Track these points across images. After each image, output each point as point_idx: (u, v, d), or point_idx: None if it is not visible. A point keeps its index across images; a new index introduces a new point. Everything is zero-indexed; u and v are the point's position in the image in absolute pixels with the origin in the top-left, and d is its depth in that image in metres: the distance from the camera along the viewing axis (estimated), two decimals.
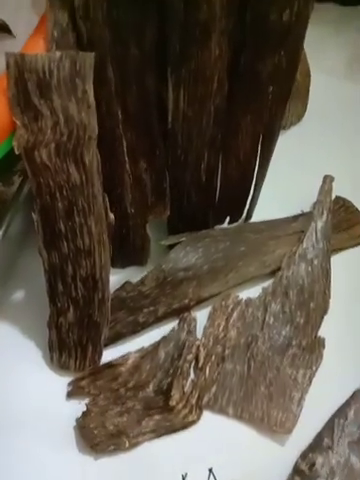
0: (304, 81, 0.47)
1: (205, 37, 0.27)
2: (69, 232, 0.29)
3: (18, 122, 0.26)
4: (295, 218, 0.41)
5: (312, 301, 0.37)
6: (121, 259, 0.38)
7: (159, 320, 0.36)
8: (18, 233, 0.36)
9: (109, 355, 0.34)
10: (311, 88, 0.49)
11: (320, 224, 0.40)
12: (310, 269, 0.38)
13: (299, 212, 0.42)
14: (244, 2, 0.28)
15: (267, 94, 0.33)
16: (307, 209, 0.42)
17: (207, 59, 0.28)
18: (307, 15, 0.30)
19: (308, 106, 0.49)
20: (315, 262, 0.38)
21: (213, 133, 0.33)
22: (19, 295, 0.37)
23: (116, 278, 0.37)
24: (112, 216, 0.32)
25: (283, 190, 0.43)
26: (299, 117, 0.48)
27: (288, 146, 0.43)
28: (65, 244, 0.30)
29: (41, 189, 0.28)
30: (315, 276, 0.38)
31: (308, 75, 0.47)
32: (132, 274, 0.38)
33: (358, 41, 0.55)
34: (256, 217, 0.42)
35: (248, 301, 0.37)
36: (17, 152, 0.27)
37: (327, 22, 0.55)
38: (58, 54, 0.25)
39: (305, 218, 0.40)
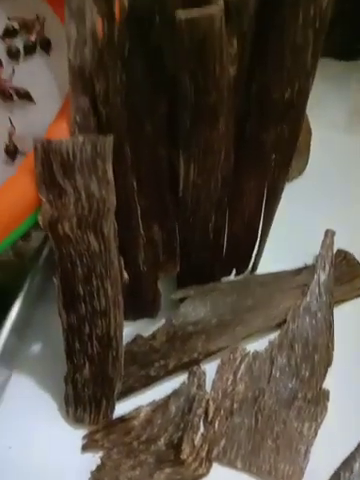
0: (305, 138, 0.49)
1: (214, 118, 0.29)
2: (87, 295, 0.31)
3: (43, 199, 0.28)
4: (298, 271, 0.43)
5: (316, 354, 0.39)
6: (133, 312, 0.40)
7: (169, 373, 0.37)
8: (37, 287, 0.38)
9: (121, 408, 0.36)
10: (312, 142, 0.52)
11: (323, 278, 0.41)
12: (314, 322, 0.40)
13: (302, 264, 0.44)
14: (250, 80, 0.31)
15: (270, 161, 0.35)
16: (310, 261, 0.44)
17: (215, 136, 0.31)
18: (307, 92, 0.33)
19: (309, 159, 0.51)
20: (319, 315, 0.40)
21: (220, 197, 0.35)
22: (36, 348, 0.39)
23: (128, 330, 0.39)
24: (126, 276, 0.34)
25: (287, 242, 0.45)
26: (300, 171, 0.51)
27: (291, 199, 0.45)
28: (83, 306, 0.32)
29: (63, 257, 0.30)
30: (319, 329, 0.39)
31: (309, 132, 0.50)
32: (143, 326, 0.40)
33: (357, 95, 0.58)
34: (261, 268, 0.44)
35: (255, 354, 0.38)
36: (42, 226, 0.29)
37: (326, 77, 0.57)
38: (81, 139, 0.28)
39: (308, 271, 0.42)
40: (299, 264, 0.44)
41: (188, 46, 0.26)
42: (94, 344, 0.33)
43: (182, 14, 0.24)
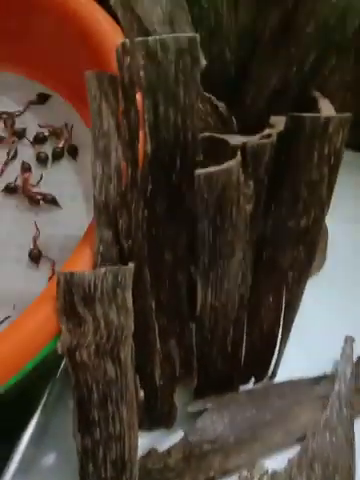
0: (322, 237, 0.50)
1: (231, 251, 0.30)
2: (102, 420, 0.31)
3: (63, 328, 0.29)
4: (317, 380, 0.42)
5: (337, 474, 0.37)
6: (147, 423, 0.39)
7: None
8: (56, 395, 0.38)
9: None
10: (329, 236, 0.52)
11: (343, 390, 0.40)
12: (334, 439, 0.38)
13: (322, 371, 0.43)
14: (266, 212, 0.32)
15: (287, 278, 0.36)
16: (329, 367, 0.43)
17: (232, 265, 0.31)
18: (323, 218, 0.34)
19: (327, 255, 0.51)
20: (339, 431, 0.39)
21: (238, 314, 0.36)
22: (51, 456, 0.38)
23: (142, 441, 0.38)
24: (142, 393, 0.34)
25: (305, 346, 0.44)
26: (318, 267, 0.51)
27: (309, 300, 0.45)
28: (98, 431, 0.31)
29: (79, 383, 0.30)
30: (339, 447, 0.38)
31: (325, 232, 0.50)
32: (158, 437, 0.39)
33: None
34: (280, 374, 0.43)
35: (273, 473, 0.37)
36: (60, 353, 0.29)
37: (341, 168, 0.58)
38: (102, 270, 0.29)
39: (328, 381, 0.41)
40: (318, 369, 0.43)
41: (207, 198, 0.27)
42: (108, 467, 0.32)
43: (201, 170, 0.26)
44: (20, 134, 0.48)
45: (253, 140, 0.28)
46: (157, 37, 0.26)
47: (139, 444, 0.36)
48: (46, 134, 0.48)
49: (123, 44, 0.26)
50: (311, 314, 0.45)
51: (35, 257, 0.42)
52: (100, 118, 0.29)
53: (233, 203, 0.28)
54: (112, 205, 0.30)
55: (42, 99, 0.49)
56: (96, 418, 0.31)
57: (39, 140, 0.47)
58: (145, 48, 0.26)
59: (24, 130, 0.48)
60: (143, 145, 0.28)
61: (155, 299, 0.33)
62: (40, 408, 0.36)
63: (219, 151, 0.28)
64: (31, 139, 0.47)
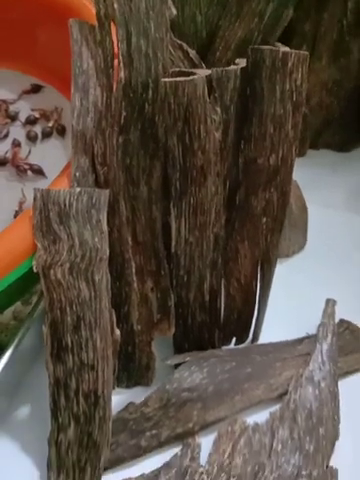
0: (301, 215, 0.51)
1: (202, 178, 0.32)
2: (75, 345, 0.31)
3: (39, 244, 0.30)
4: (300, 341, 0.41)
5: (321, 427, 0.36)
6: (126, 378, 0.38)
7: (162, 445, 0.35)
8: (30, 349, 0.38)
9: (108, 479, 0.33)
10: (311, 219, 0.53)
11: (325, 346, 0.40)
12: (317, 392, 0.37)
13: (305, 334, 0.43)
14: (236, 146, 0.34)
15: (261, 224, 0.37)
16: (312, 331, 0.43)
17: (204, 195, 0.33)
18: (292, 159, 0.35)
19: (309, 236, 0.53)
20: (322, 385, 0.38)
21: (213, 257, 0.36)
22: (24, 411, 0.37)
23: (121, 398, 0.37)
24: (118, 332, 0.34)
25: (289, 313, 0.44)
26: (301, 246, 0.52)
27: (292, 272, 0.46)
28: (70, 357, 0.31)
29: (53, 304, 0.30)
30: (323, 400, 0.37)
31: (304, 210, 0.51)
32: (136, 395, 0.38)
33: (353, 179, 0.60)
34: (263, 339, 0.43)
35: (255, 426, 0.36)
36: (35, 270, 0.30)
37: (323, 164, 0.61)
38: (78, 190, 0.30)
39: (310, 341, 0.41)
40: (301, 335, 0.43)
41: (174, 109, 0.29)
42: (80, 401, 0.32)
43: (167, 79, 0.28)
44: (13, 117, 0.51)
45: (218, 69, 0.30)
46: None
47: (117, 401, 0.36)
48: (37, 116, 0.51)
49: None
50: (294, 285, 0.46)
51: None
52: (80, 58, 0.32)
53: (201, 121, 0.30)
54: (89, 135, 0.32)
55: (36, 89, 0.53)
56: (69, 343, 0.31)
57: (30, 121, 0.50)
58: None
59: (17, 114, 0.51)
60: (117, 71, 0.30)
61: (131, 234, 0.34)
62: (7, 355, 0.34)
63: None
64: (23, 120, 0.50)
